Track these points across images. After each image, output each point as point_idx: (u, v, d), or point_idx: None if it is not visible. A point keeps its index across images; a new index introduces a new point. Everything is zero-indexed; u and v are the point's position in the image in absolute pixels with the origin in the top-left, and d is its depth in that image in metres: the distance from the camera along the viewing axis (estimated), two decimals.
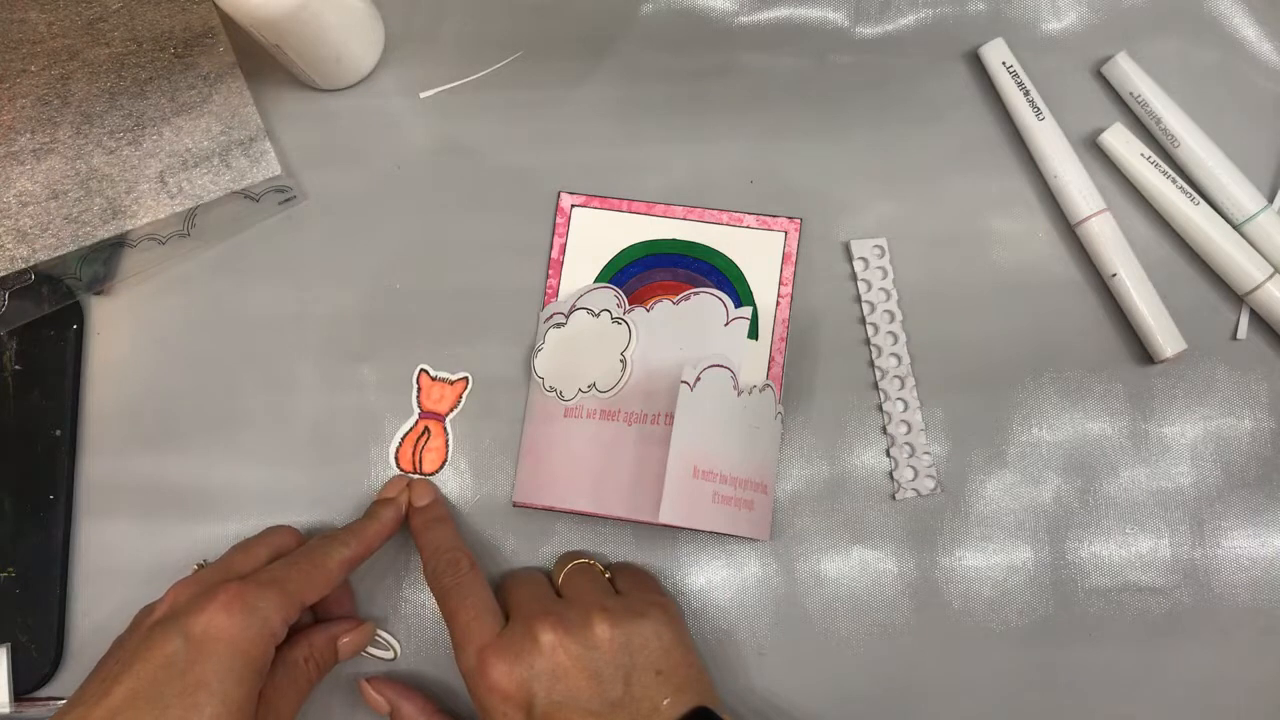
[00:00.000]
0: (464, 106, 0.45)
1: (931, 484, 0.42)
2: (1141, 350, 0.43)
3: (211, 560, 0.38)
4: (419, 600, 0.42)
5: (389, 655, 0.41)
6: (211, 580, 0.35)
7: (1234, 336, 0.43)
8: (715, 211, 0.43)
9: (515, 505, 0.42)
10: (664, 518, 0.36)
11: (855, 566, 0.42)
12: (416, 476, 0.42)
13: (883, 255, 0.43)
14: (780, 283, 0.43)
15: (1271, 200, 0.43)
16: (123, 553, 0.42)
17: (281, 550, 0.38)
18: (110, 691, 0.31)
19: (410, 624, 0.41)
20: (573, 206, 0.44)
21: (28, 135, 0.43)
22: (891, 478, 0.42)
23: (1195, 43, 0.45)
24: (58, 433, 0.42)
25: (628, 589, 0.39)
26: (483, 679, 0.34)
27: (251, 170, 0.43)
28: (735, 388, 0.39)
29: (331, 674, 0.41)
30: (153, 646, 0.32)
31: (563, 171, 0.44)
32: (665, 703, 0.34)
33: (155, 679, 0.31)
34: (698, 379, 0.38)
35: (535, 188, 0.44)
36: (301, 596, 0.35)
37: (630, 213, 0.44)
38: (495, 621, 0.36)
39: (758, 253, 0.43)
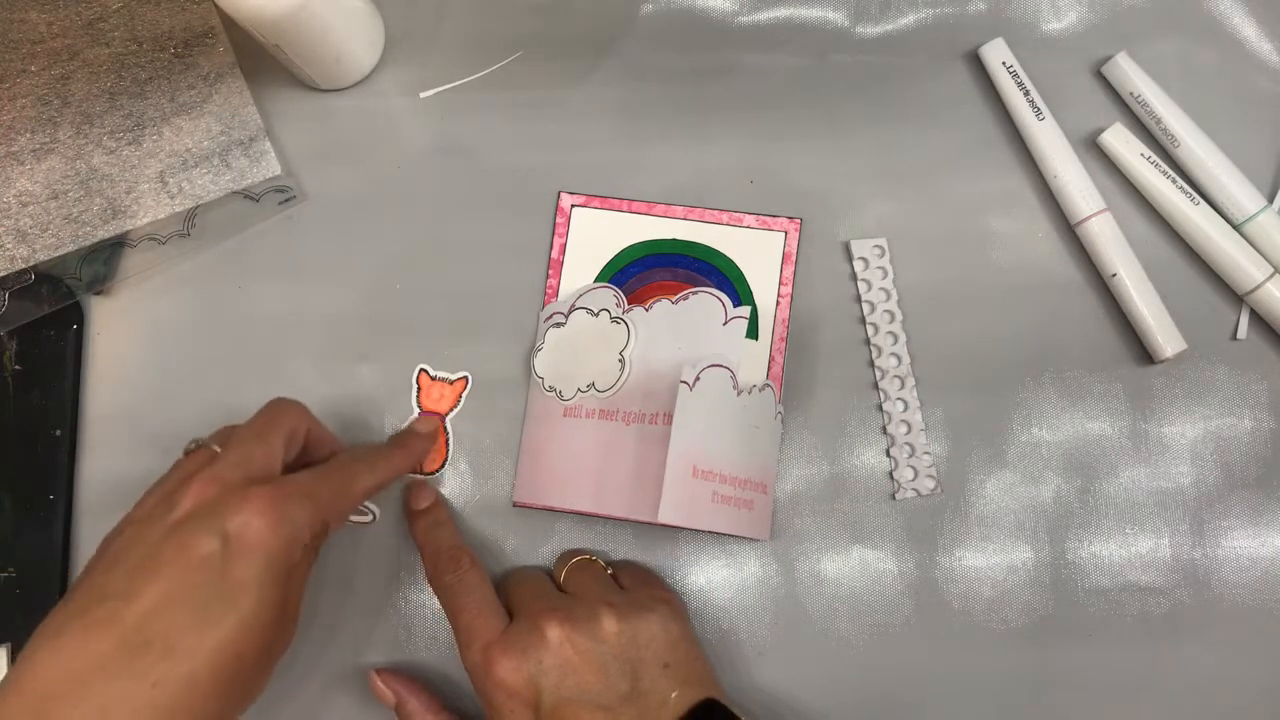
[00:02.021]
0: (464, 106, 0.45)
1: (931, 484, 0.42)
2: (1141, 350, 0.43)
3: (205, 440, 0.36)
4: (420, 600, 0.42)
5: (367, 519, 0.41)
6: (233, 479, 0.33)
7: (1234, 336, 0.43)
8: (715, 211, 0.43)
9: (515, 505, 0.42)
10: (663, 517, 0.36)
11: (855, 566, 0.42)
12: (417, 477, 0.42)
13: (883, 255, 0.43)
14: (780, 283, 0.43)
15: (1271, 200, 0.43)
16: None
17: (294, 435, 0.36)
18: (142, 590, 0.30)
19: (412, 624, 0.41)
20: (573, 206, 0.44)
21: (28, 135, 0.43)
22: (891, 478, 0.42)
23: (1195, 43, 0.45)
24: (58, 433, 0.42)
25: (632, 585, 0.39)
26: (489, 676, 0.34)
27: (251, 170, 0.43)
28: (735, 387, 0.39)
29: (340, 668, 0.41)
30: (187, 545, 0.31)
31: (563, 171, 0.44)
32: (674, 696, 0.34)
33: (192, 580, 0.30)
34: (697, 379, 0.38)
35: (535, 188, 0.44)
36: (328, 515, 0.34)
37: (630, 213, 0.44)
38: (499, 619, 0.36)
39: (758, 253, 0.43)
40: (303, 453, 0.37)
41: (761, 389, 0.40)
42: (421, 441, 0.41)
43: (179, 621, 0.30)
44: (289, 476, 0.34)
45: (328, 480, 0.35)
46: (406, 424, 0.42)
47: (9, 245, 0.42)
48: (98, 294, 0.43)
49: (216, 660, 0.30)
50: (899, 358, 0.42)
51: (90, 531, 0.42)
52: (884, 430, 0.42)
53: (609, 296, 0.42)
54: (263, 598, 0.31)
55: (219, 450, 0.35)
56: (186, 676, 0.29)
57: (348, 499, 0.36)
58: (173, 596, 0.30)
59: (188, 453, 0.36)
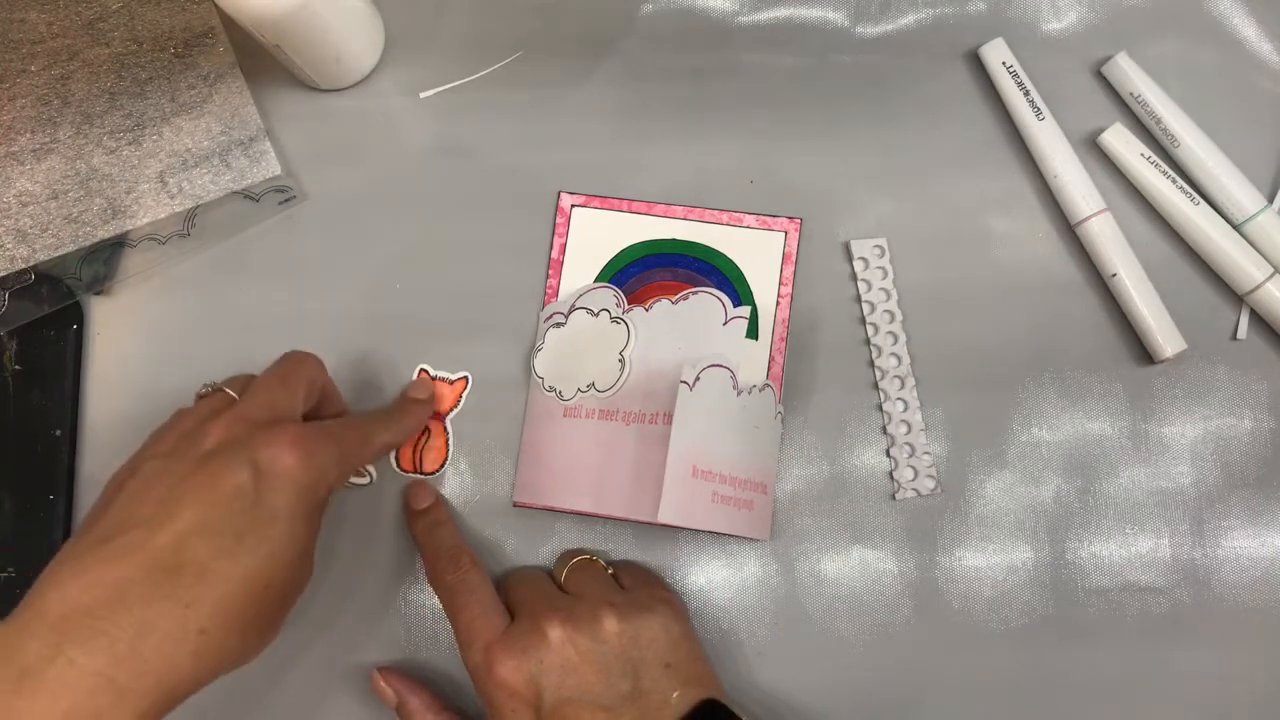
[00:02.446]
0: (464, 106, 0.45)
1: (931, 484, 0.42)
2: (1141, 350, 0.43)
3: (219, 384, 0.36)
4: (420, 600, 0.42)
5: (365, 481, 0.42)
6: (260, 418, 0.33)
7: (1234, 336, 0.43)
8: (715, 211, 0.43)
9: (515, 505, 0.42)
10: (663, 517, 0.36)
11: (855, 566, 0.42)
12: (417, 476, 0.42)
13: (883, 255, 0.43)
14: (780, 283, 0.43)
15: (1271, 200, 0.43)
16: None
17: (312, 385, 0.36)
18: (175, 514, 0.30)
19: (412, 624, 0.41)
20: (573, 206, 0.44)
21: (28, 135, 0.43)
22: (891, 478, 0.42)
23: (1195, 43, 0.45)
24: (58, 433, 0.42)
25: (632, 585, 0.39)
26: (490, 675, 0.34)
27: (251, 170, 0.43)
28: (735, 387, 0.39)
29: (341, 667, 0.41)
30: (219, 474, 0.31)
31: (563, 171, 0.44)
32: (675, 695, 0.34)
33: (225, 507, 0.30)
34: (697, 379, 0.38)
35: (535, 188, 0.44)
36: (350, 463, 0.35)
37: (630, 213, 0.44)
38: (500, 618, 0.36)
39: (758, 253, 0.43)
40: (315, 408, 0.38)
41: (761, 389, 0.40)
42: (424, 406, 0.41)
43: (212, 547, 0.30)
44: (313, 422, 0.35)
45: (350, 429, 0.36)
46: (404, 390, 0.42)
47: (9, 245, 0.42)
48: (98, 294, 0.43)
49: (249, 586, 0.30)
50: (899, 358, 0.42)
51: None
52: (884, 430, 0.42)
53: (609, 296, 0.42)
54: (292, 529, 0.31)
55: (235, 396, 0.35)
56: (220, 600, 0.29)
57: (368, 450, 0.37)
58: (205, 523, 0.30)
59: (200, 397, 0.36)
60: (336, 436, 0.34)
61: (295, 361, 0.37)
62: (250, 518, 0.31)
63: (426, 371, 0.43)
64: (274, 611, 0.32)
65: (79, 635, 0.28)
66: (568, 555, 0.41)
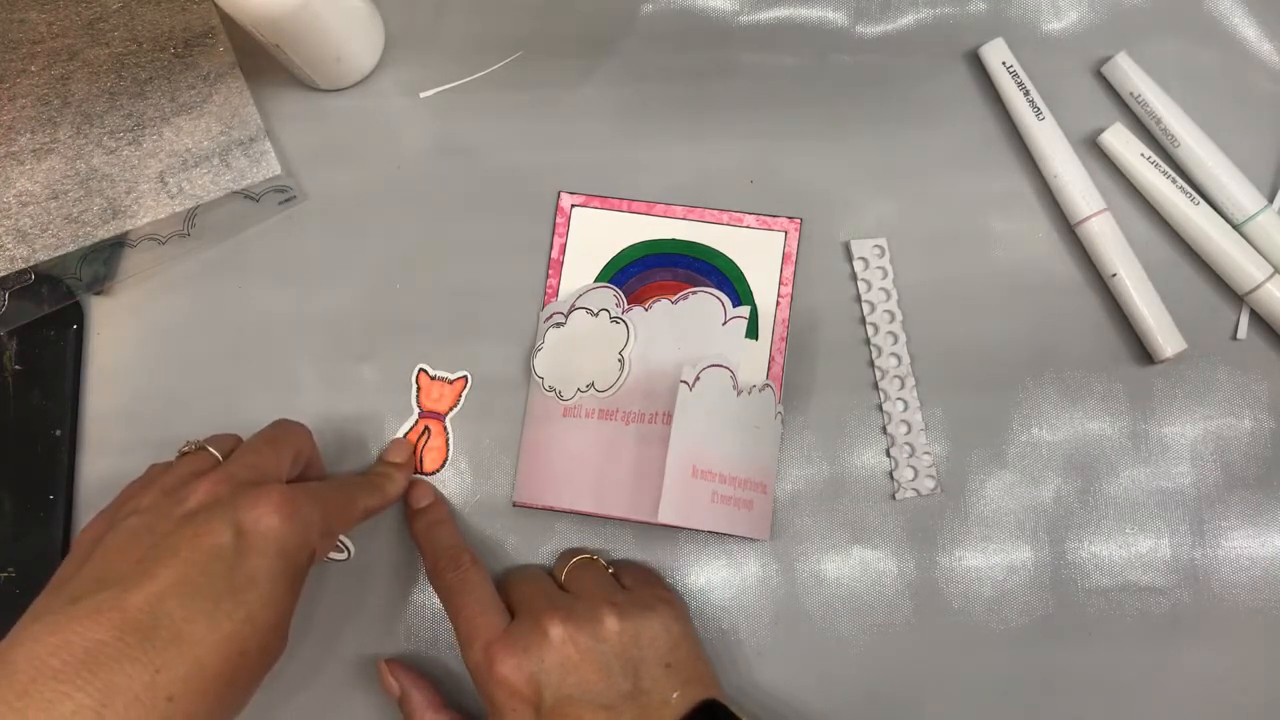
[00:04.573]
0: (464, 106, 0.45)
1: (931, 484, 0.42)
2: (1141, 350, 0.43)
3: (201, 443, 0.36)
4: (420, 600, 0.42)
5: (343, 556, 0.42)
6: (246, 479, 0.33)
7: (1234, 336, 0.43)
8: (715, 211, 0.43)
9: (515, 505, 0.42)
10: (663, 517, 0.36)
11: (855, 566, 0.42)
12: (416, 476, 0.42)
13: (883, 255, 0.43)
14: (780, 283, 0.43)
15: (1271, 200, 0.43)
16: None
17: (299, 454, 0.37)
18: (153, 574, 0.29)
19: (412, 624, 0.41)
20: (573, 206, 0.44)
21: (28, 135, 0.43)
22: (891, 478, 0.42)
23: (1195, 43, 0.45)
24: (58, 433, 0.42)
25: (633, 584, 0.39)
26: (491, 674, 0.34)
27: (251, 170, 0.43)
28: (735, 387, 0.39)
29: (342, 665, 0.41)
30: (200, 534, 0.30)
31: (563, 171, 0.44)
32: (675, 695, 0.34)
33: (205, 568, 0.30)
34: (697, 379, 0.38)
35: (535, 188, 0.44)
36: (334, 527, 0.35)
37: (630, 213, 0.44)
38: (500, 617, 0.36)
39: (758, 253, 0.43)
40: (298, 477, 0.37)
41: (761, 389, 0.40)
42: (405, 469, 0.41)
43: (188, 609, 0.29)
44: (297, 484, 0.34)
45: (334, 491, 0.36)
46: (382, 454, 0.42)
47: (9, 245, 0.42)
48: (98, 294, 0.43)
49: (223, 652, 0.30)
50: (899, 358, 0.42)
51: None
52: (884, 430, 0.42)
53: (609, 296, 0.42)
54: (273, 594, 0.31)
55: (218, 456, 0.35)
56: (192, 664, 0.29)
57: (351, 514, 0.36)
58: (183, 584, 0.30)
59: (182, 454, 0.36)
60: (321, 499, 0.34)
61: (284, 428, 0.37)
62: (230, 580, 0.30)
63: (426, 372, 0.43)
64: (246, 681, 0.31)
65: (44, 700, 0.27)
66: (568, 555, 0.41)
